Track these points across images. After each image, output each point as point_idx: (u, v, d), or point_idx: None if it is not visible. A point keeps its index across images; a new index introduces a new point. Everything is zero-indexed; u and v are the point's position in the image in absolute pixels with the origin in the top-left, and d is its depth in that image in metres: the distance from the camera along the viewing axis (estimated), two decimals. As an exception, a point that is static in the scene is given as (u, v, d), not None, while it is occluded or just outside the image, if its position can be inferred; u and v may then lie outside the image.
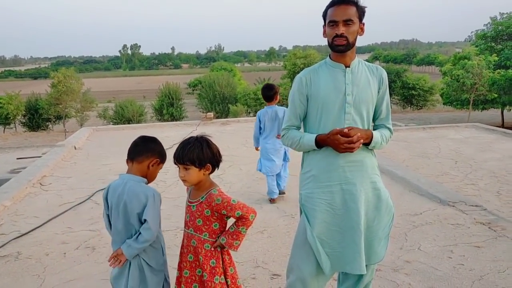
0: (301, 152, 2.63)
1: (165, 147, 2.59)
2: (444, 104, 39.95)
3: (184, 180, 2.38)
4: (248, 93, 44.20)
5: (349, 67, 2.45)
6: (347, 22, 2.35)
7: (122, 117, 45.28)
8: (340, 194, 2.46)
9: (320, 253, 2.46)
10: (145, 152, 2.43)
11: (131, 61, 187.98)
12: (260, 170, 5.69)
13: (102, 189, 6.26)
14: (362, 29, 2.44)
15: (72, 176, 7.07)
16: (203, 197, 2.38)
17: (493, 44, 38.95)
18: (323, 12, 2.47)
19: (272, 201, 5.61)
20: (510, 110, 35.79)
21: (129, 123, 42.28)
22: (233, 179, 6.56)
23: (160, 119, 46.99)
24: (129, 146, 2.47)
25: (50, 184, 6.65)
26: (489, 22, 39.73)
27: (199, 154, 2.33)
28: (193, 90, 57.20)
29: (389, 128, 2.59)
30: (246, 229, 2.38)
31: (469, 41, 43.83)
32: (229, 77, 48.45)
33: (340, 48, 2.37)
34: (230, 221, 2.44)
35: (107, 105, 51.06)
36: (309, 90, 2.48)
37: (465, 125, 11.92)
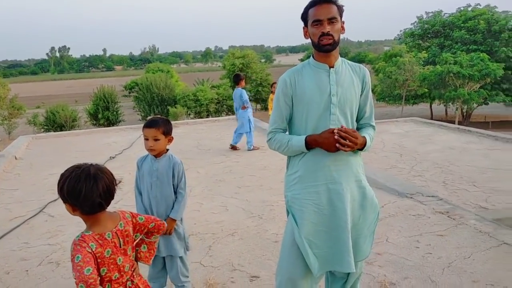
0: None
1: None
2: (377, 100, 41.78)
3: None
4: (188, 95, 43.66)
5: (333, 67, 2.47)
6: (332, 20, 2.35)
7: (54, 123, 43.21)
8: (326, 194, 2.46)
9: (309, 254, 2.45)
10: None
11: (59, 64, 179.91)
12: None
13: (54, 200, 5.95)
14: (343, 27, 2.44)
15: (18, 188, 6.65)
16: None
17: (420, 41, 41.25)
18: (302, 14, 2.46)
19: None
20: (439, 104, 38.03)
21: (61, 129, 40.42)
22: (192, 182, 6.45)
23: (96, 124, 45.36)
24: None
25: (-5, 197, 6.22)
26: (416, 21, 42.04)
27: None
28: (129, 93, 55.67)
29: (373, 126, 2.64)
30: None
31: (399, 39, 46.13)
32: (167, 79, 47.62)
33: (327, 47, 2.38)
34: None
35: (37, 111, 48.51)
36: (293, 91, 2.47)
37: (404, 119, 12.51)
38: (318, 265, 2.49)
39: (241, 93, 8.70)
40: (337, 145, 2.34)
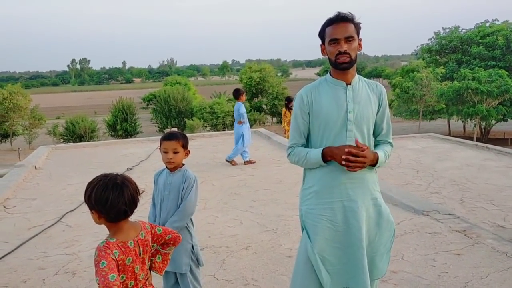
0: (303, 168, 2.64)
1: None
2: (394, 115, 41.51)
3: None
4: (204, 107, 44.05)
5: (350, 84, 2.50)
6: (348, 39, 2.39)
7: (73, 133, 43.98)
8: (342, 211, 2.47)
9: (321, 270, 2.45)
10: None
11: (80, 76, 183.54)
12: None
13: (71, 210, 6.04)
14: (360, 45, 2.48)
15: (37, 198, 6.76)
16: None
17: (437, 57, 41.02)
18: (320, 31, 2.50)
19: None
20: (457, 120, 37.60)
21: (80, 140, 41.07)
22: (207, 195, 6.50)
23: (114, 135, 45.96)
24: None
25: (15, 207, 6.33)
26: (433, 37, 41.85)
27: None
28: (147, 105, 56.42)
29: (390, 143, 2.64)
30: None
31: (416, 54, 45.95)
32: (184, 91, 48.19)
33: (344, 65, 2.41)
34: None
35: (57, 122, 49.43)
36: (310, 107, 2.50)
37: (421, 135, 12.38)
38: (331, 282, 2.49)
39: (239, 107, 8.66)
40: (343, 163, 2.36)
